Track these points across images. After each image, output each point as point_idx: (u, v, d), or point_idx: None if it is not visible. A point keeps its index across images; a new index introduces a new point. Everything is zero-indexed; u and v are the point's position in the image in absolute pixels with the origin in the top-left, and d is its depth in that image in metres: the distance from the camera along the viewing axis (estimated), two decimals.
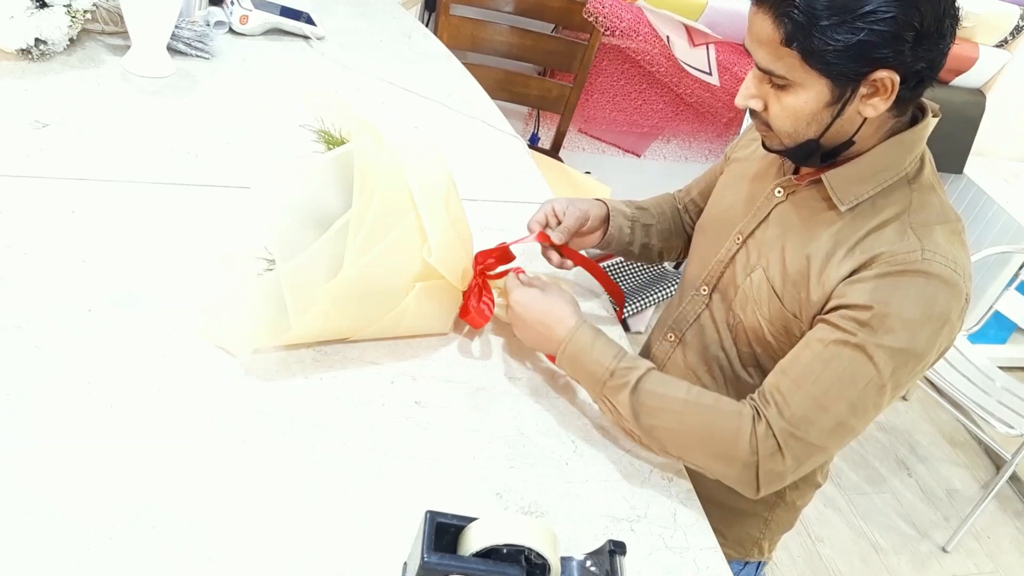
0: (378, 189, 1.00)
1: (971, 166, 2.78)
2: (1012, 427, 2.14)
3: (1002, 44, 2.59)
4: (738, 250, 1.10)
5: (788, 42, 0.89)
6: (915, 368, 0.95)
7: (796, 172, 1.06)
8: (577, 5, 2.32)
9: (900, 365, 0.94)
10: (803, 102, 0.93)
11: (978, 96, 2.66)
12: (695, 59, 2.35)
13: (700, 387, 1.02)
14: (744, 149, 1.20)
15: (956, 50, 2.65)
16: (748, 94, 0.97)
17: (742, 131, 1.25)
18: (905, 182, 0.99)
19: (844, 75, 0.89)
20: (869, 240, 0.97)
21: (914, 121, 0.99)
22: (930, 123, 1.00)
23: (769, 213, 1.08)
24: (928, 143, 1.02)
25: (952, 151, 2.69)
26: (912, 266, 0.93)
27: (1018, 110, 2.75)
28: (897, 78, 0.89)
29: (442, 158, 1.11)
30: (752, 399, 1.00)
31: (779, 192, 1.07)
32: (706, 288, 1.15)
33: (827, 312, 0.98)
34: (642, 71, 2.56)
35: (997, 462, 2.65)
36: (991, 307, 2.54)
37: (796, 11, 0.87)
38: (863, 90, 0.91)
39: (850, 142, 0.97)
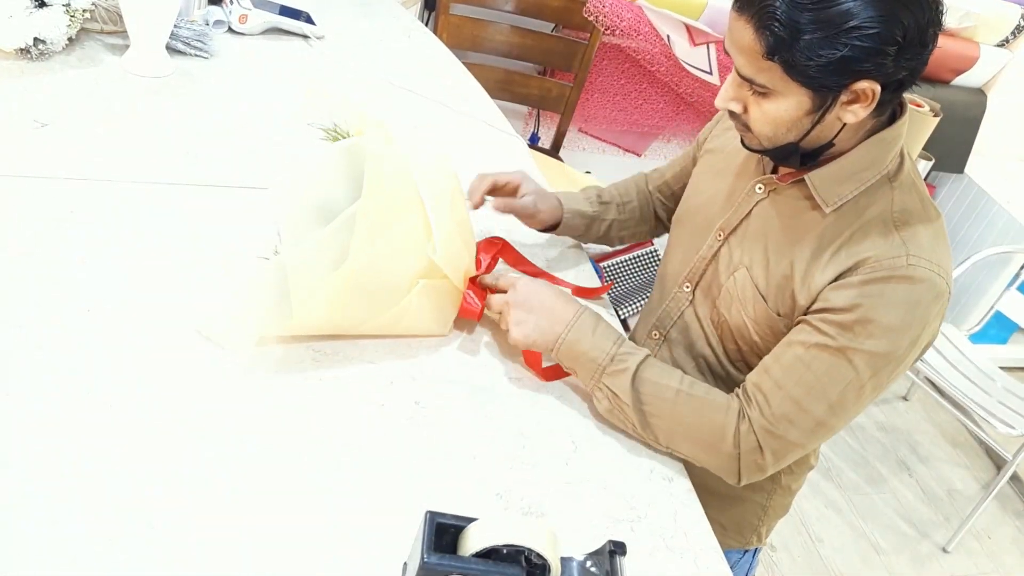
0: (386, 183, 1.00)
1: (972, 166, 2.77)
2: (1013, 427, 2.14)
3: (1003, 44, 2.59)
4: (720, 247, 1.11)
5: (770, 54, 0.88)
6: (895, 370, 0.97)
7: (775, 170, 1.07)
8: (577, 4, 2.32)
9: (880, 368, 0.96)
10: (783, 110, 0.93)
11: (979, 96, 2.66)
12: (696, 58, 2.35)
13: (691, 377, 1.04)
14: (718, 139, 1.20)
15: (957, 50, 2.68)
16: (728, 97, 0.97)
17: (715, 119, 1.25)
18: (886, 180, 0.99)
19: (825, 86, 0.89)
20: (854, 242, 0.98)
21: (892, 117, 0.99)
22: (907, 120, 1.00)
23: (751, 210, 1.08)
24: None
25: (953, 151, 2.69)
26: (897, 272, 0.94)
27: (1019, 110, 2.75)
28: (878, 87, 0.89)
29: (449, 164, 1.11)
30: (738, 394, 1.02)
31: (760, 189, 1.07)
32: (689, 285, 1.15)
33: (811, 313, 0.99)
34: (642, 70, 2.55)
35: (998, 462, 2.65)
36: (992, 307, 2.54)
37: (778, 24, 0.86)
38: (844, 98, 0.91)
39: (830, 144, 0.97)
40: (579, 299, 1.11)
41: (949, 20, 2.44)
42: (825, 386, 0.96)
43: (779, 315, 1.03)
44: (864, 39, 0.84)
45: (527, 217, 1.24)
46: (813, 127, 0.94)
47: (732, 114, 0.99)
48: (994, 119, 2.69)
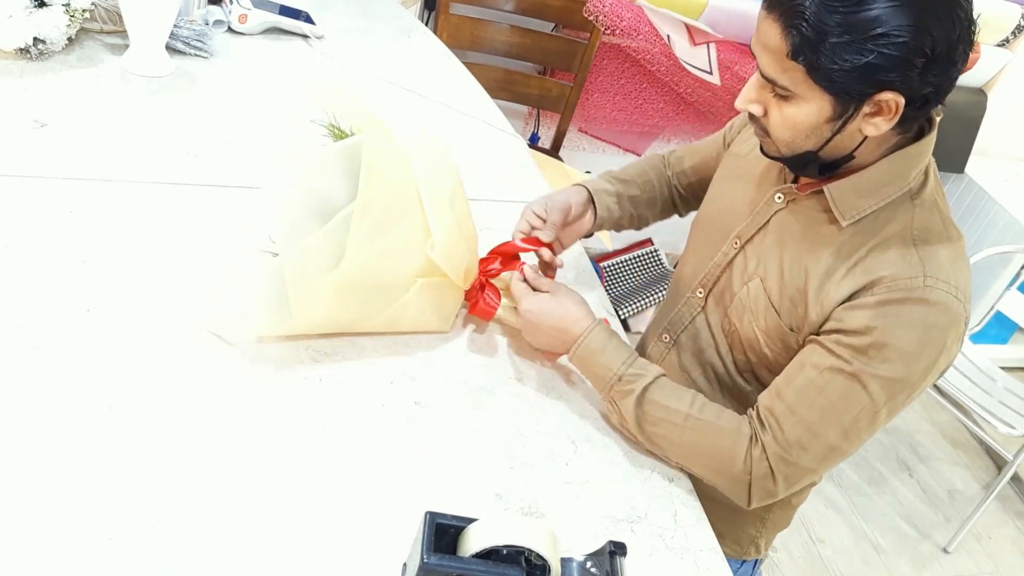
0: (384, 183, 1.00)
1: (972, 166, 2.77)
2: (1013, 427, 2.14)
3: (1003, 44, 2.58)
4: (736, 255, 1.08)
5: (794, 55, 0.86)
6: (911, 394, 0.95)
7: (796, 180, 1.04)
8: (577, 4, 2.31)
9: (895, 393, 0.94)
10: (804, 115, 0.90)
11: (979, 96, 2.65)
12: (696, 58, 2.34)
13: (704, 398, 1.02)
14: (744, 143, 1.17)
15: None
16: (749, 98, 0.95)
17: (743, 117, 1.20)
18: (908, 197, 0.97)
19: (848, 94, 0.87)
20: (871, 259, 0.95)
21: (919, 134, 0.96)
22: (934, 137, 0.97)
23: (769, 220, 1.06)
24: None
25: (953, 151, 2.69)
26: (914, 293, 0.91)
27: (1019, 110, 2.75)
28: (902, 100, 0.86)
29: (450, 158, 1.11)
30: (751, 418, 1.00)
31: (779, 198, 1.05)
32: (702, 291, 1.13)
33: (823, 334, 0.96)
34: (643, 70, 2.55)
35: (998, 462, 2.65)
36: (992, 307, 2.53)
37: (806, 25, 0.84)
38: (866, 109, 0.88)
39: (850, 156, 0.95)
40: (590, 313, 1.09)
41: None
42: (839, 411, 0.94)
43: (791, 329, 1.00)
44: (891, 47, 0.82)
45: (569, 223, 1.21)
46: (833, 136, 0.91)
47: (752, 117, 0.96)
48: (994, 119, 2.69)
